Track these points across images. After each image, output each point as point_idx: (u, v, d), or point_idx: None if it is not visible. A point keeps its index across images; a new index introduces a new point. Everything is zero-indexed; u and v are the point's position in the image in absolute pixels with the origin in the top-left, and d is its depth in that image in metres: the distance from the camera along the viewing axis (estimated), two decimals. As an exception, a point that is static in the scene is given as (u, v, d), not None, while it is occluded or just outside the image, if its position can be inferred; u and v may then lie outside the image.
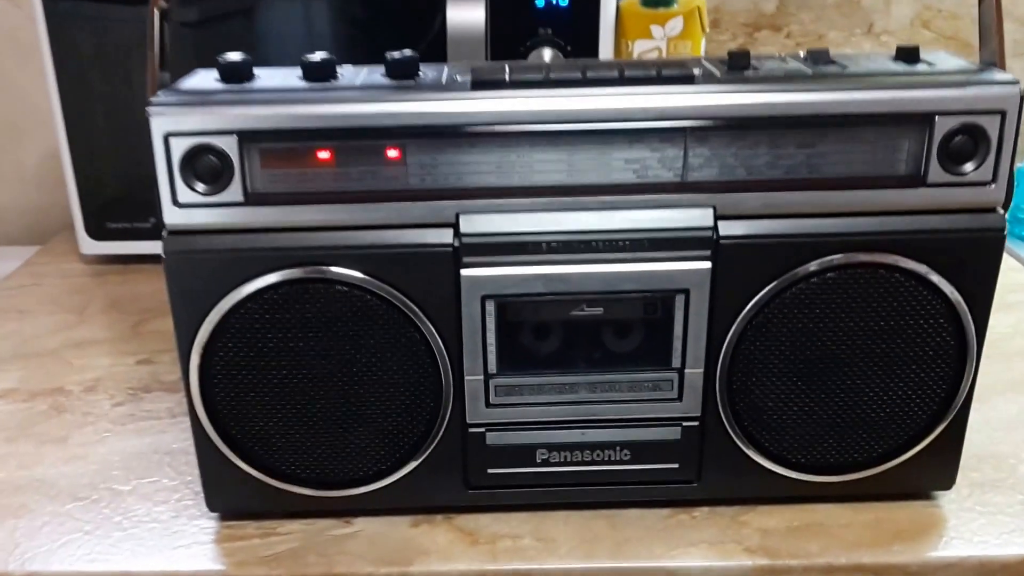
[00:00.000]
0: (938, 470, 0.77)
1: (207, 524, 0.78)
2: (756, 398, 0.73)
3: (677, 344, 0.72)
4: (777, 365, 0.72)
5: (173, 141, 0.66)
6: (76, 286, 1.24)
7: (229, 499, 0.77)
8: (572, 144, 0.67)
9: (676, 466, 0.76)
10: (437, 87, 0.68)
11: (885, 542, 0.75)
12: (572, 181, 0.68)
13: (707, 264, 0.69)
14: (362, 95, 0.66)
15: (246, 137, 0.66)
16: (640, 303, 0.72)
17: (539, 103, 0.66)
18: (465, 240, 0.68)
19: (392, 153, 0.67)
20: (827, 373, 0.72)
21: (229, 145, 0.67)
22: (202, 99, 0.66)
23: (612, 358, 0.74)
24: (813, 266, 0.70)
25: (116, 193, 1.14)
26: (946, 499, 0.78)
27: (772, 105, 0.67)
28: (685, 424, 0.75)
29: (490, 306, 0.70)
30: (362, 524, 0.77)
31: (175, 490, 0.85)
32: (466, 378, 0.72)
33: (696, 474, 0.76)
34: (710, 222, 0.69)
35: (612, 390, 0.74)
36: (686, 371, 0.73)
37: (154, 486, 0.86)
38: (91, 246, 1.22)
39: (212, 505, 0.80)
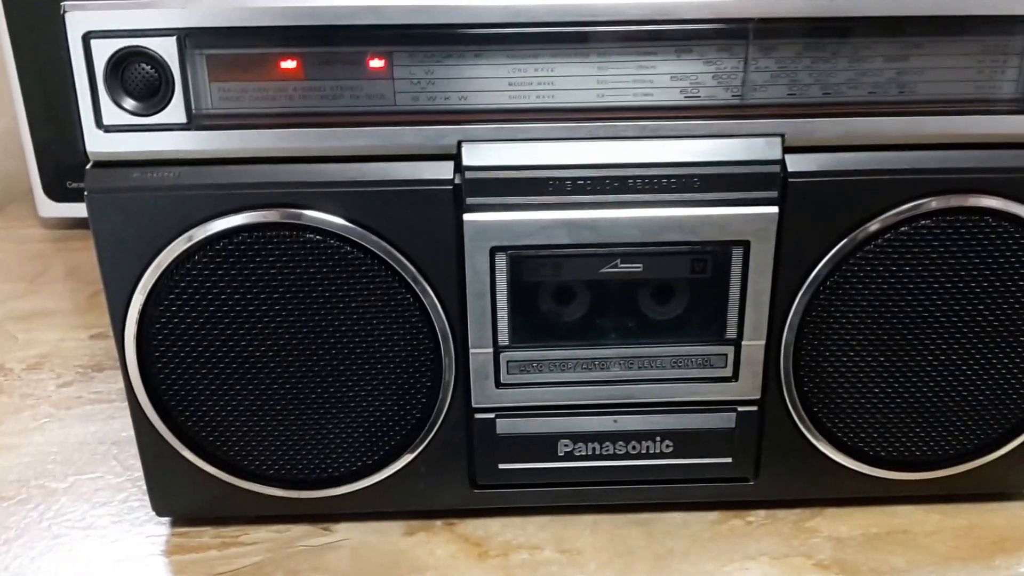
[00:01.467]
0: (1041, 465, 0.68)
1: (155, 531, 0.68)
2: (829, 378, 0.63)
3: (733, 310, 0.62)
4: (856, 337, 0.62)
5: (96, 44, 0.55)
6: (32, 252, 1.13)
7: (180, 501, 0.67)
8: (604, 53, 0.56)
9: (729, 460, 0.66)
10: (433, -24, 0.56)
11: (984, 554, 0.65)
12: (604, 102, 0.58)
13: (773, 208, 0.59)
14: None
15: (189, 39, 0.55)
16: (687, 258, 0.61)
17: None
18: (469, 175, 0.57)
19: (376, 63, 0.56)
20: (917, 347, 0.62)
21: (167, 49, 0.55)
22: (134, -10, 0.54)
23: (652, 327, 0.63)
24: (903, 211, 0.59)
25: (78, 152, 0.99)
26: (1051, 499, 0.69)
27: (856, 1, 0.55)
28: (741, 409, 0.65)
29: (501, 261, 0.60)
30: (345, 532, 0.67)
31: (120, 488, 0.72)
32: (471, 351, 0.62)
33: (753, 470, 0.67)
34: (777, 155, 0.58)
35: (651, 367, 0.64)
36: (743, 344, 0.63)
37: (95, 483, 0.73)
38: (50, 208, 1.15)
39: (160, 508, 0.68)
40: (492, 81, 0.56)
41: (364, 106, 0.57)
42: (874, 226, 0.59)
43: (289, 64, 0.56)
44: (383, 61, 0.56)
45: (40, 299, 1.01)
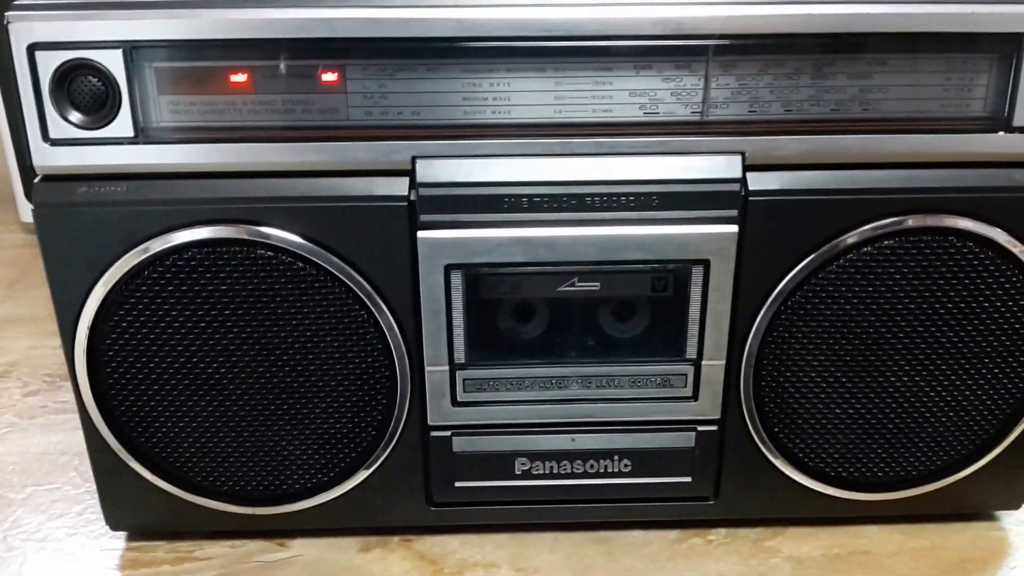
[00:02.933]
0: (1006, 486, 0.66)
1: (110, 545, 0.65)
2: (790, 397, 0.61)
3: (693, 329, 0.59)
4: (818, 357, 0.60)
5: (41, 56, 0.52)
6: (10, 258, 1.09)
7: (134, 515, 0.64)
8: (561, 68, 0.54)
9: (689, 479, 0.64)
10: (386, -12, 0.53)
11: (946, 574, 0.62)
12: (561, 118, 0.55)
13: (733, 228, 0.56)
14: (290, -1, 0.52)
15: (137, 52, 0.52)
16: (647, 277, 0.59)
17: (520, 11, 0.52)
18: (423, 192, 0.55)
19: (328, 77, 0.53)
20: (880, 367, 0.60)
21: (114, 62, 0.52)
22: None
23: (611, 346, 0.61)
24: (865, 231, 0.57)
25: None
26: (1012, 519, 0.67)
27: (819, 18, 0.53)
28: (701, 428, 0.62)
29: (456, 278, 0.57)
30: (300, 548, 0.65)
31: (78, 500, 0.69)
32: (427, 369, 0.60)
33: (713, 490, 0.65)
34: (737, 173, 0.55)
35: (610, 386, 0.61)
36: (703, 363, 0.60)
37: (53, 495, 0.70)
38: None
39: (113, 522, 0.65)
40: (446, 96, 0.54)
41: (317, 121, 0.54)
42: (836, 246, 0.57)
43: (239, 78, 0.53)
44: (336, 75, 0.53)
45: (15, 305, 0.98)
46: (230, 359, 0.57)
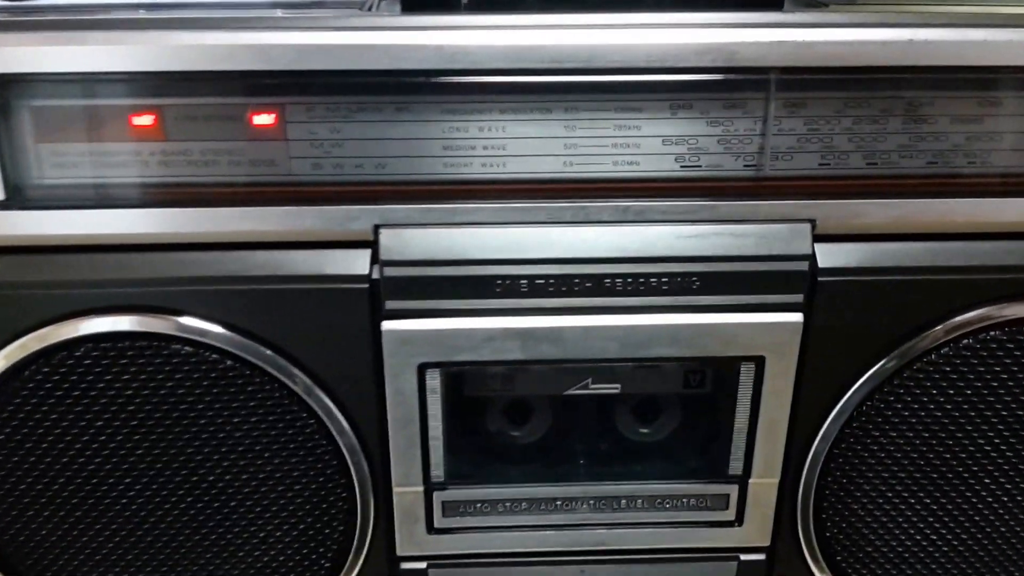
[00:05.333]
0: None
1: None
2: (859, 522, 0.53)
3: (739, 440, 0.52)
4: (897, 474, 0.52)
5: None
6: None
7: None
8: (574, 108, 0.45)
9: None
10: (346, 4, 0.49)
11: None
12: (572, 173, 0.46)
13: (796, 316, 0.48)
14: (211, 18, 0.45)
15: (7, 86, 0.43)
16: (679, 375, 0.52)
17: (519, 35, 0.44)
18: (389, 271, 0.46)
19: (262, 119, 0.44)
20: (974, 487, 0.52)
21: None
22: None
23: (631, 455, 0.54)
24: (968, 320, 0.48)
25: None
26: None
27: (920, 47, 0.44)
28: (745, 557, 0.55)
29: (433, 380, 0.49)
30: None
31: None
32: (395, 490, 0.52)
33: None
34: (805, 247, 0.47)
35: (630, 507, 0.53)
36: (752, 481, 0.53)
37: None
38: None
39: None
40: (421, 144, 0.45)
41: (248, 176, 0.45)
42: (927, 339, 0.48)
43: (144, 120, 0.44)
44: (272, 116, 0.44)
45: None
46: (140, 479, 0.48)
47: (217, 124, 0.44)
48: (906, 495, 0.52)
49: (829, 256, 0.47)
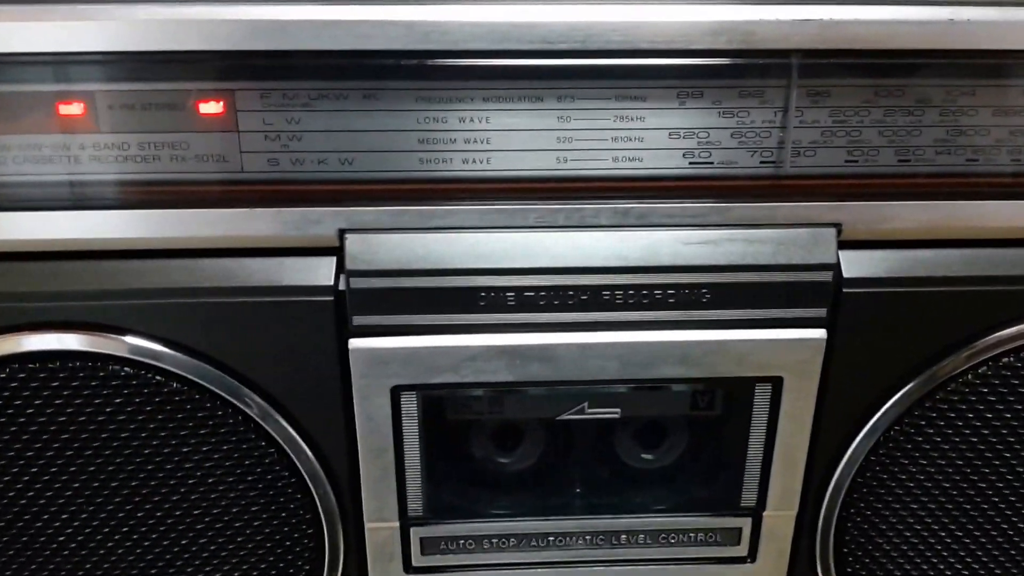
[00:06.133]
0: None
1: None
2: (884, 557, 0.49)
3: (753, 468, 0.48)
4: (927, 505, 0.48)
5: None
6: None
7: None
8: (569, 97, 0.41)
9: None
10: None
11: None
12: (566, 170, 0.42)
13: (819, 333, 0.44)
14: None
15: None
16: (686, 397, 0.48)
17: (505, 10, 0.39)
18: (356, 283, 0.42)
19: (209, 107, 0.39)
20: (1012, 521, 0.48)
21: None
22: None
23: (633, 488, 0.50)
24: (1009, 334, 0.44)
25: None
26: None
27: (963, 28, 0.39)
28: None
29: (409, 404, 0.44)
30: None
31: None
32: (367, 526, 0.47)
33: None
34: (829, 254, 0.43)
35: (632, 543, 0.49)
36: (766, 514, 0.49)
37: None
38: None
39: None
40: (392, 137, 0.40)
41: (194, 173, 0.40)
42: (963, 357, 0.44)
43: (73, 109, 0.39)
44: (220, 104, 0.40)
45: None
46: (78, 516, 0.43)
47: (157, 113, 0.39)
48: (937, 529, 0.48)
49: (855, 265, 0.43)
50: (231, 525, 0.45)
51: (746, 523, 0.49)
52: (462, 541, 0.48)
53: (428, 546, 0.48)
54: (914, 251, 0.44)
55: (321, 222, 0.41)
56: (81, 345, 0.41)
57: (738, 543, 0.50)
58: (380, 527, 0.47)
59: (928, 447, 0.47)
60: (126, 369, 0.41)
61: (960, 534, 0.49)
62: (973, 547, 0.50)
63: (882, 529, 0.49)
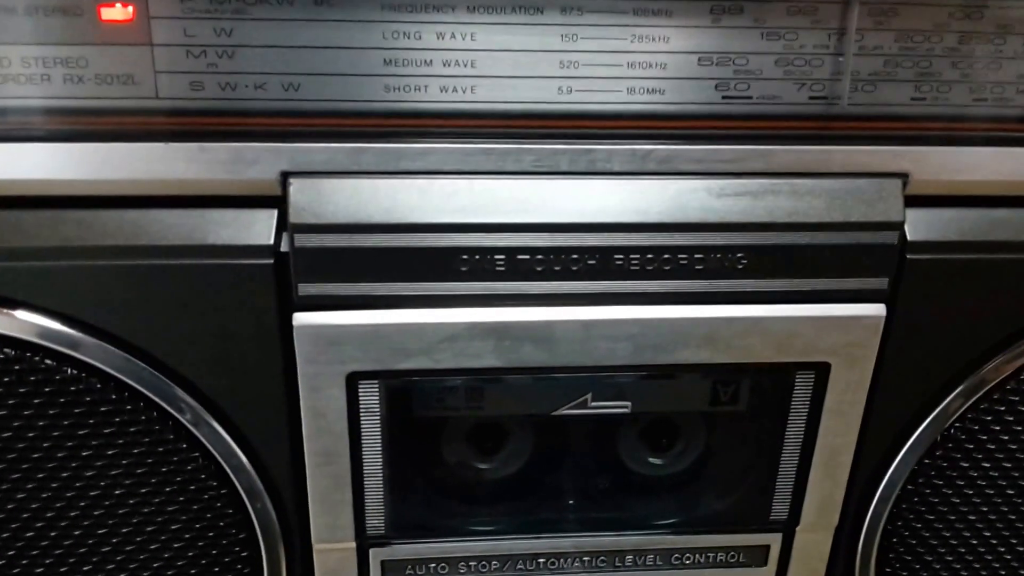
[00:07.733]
0: None
1: None
2: None
3: (786, 475, 0.41)
4: (987, 516, 0.41)
5: None
6: None
7: None
8: (573, 6, 0.34)
9: None
10: None
11: None
12: (570, 102, 0.35)
13: (878, 308, 0.37)
14: None
15: None
16: (707, 388, 0.40)
17: None
18: (302, 240, 0.34)
19: (113, 12, 0.32)
20: None
21: None
22: None
23: (640, 499, 0.43)
24: None
25: None
26: None
27: None
28: None
29: (369, 395, 0.36)
30: None
31: None
32: (316, 547, 0.40)
33: None
34: (895, 211, 0.36)
35: (639, 565, 0.42)
36: (799, 531, 0.42)
37: None
38: None
39: None
40: (351, 56, 0.33)
41: (96, 98, 0.33)
42: None
43: None
44: (129, 9, 0.32)
45: None
46: None
47: (48, 20, 0.31)
48: (998, 545, 0.41)
49: (922, 226, 0.36)
50: (146, 545, 0.37)
51: (775, 540, 0.42)
52: (433, 564, 0.41)
53: (391, 570, 0.41)
54: (992, 210, 0.38)
55: (258, 162, 0.33)
56: (-51, 320, 0.32)
57: (764, 564, 0.43)
58: (331, 548, 0.40)
59: (993, 447, 0.40)
60: (10, 352, 0.33)
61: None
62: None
63: (933, 544, 0.42)
